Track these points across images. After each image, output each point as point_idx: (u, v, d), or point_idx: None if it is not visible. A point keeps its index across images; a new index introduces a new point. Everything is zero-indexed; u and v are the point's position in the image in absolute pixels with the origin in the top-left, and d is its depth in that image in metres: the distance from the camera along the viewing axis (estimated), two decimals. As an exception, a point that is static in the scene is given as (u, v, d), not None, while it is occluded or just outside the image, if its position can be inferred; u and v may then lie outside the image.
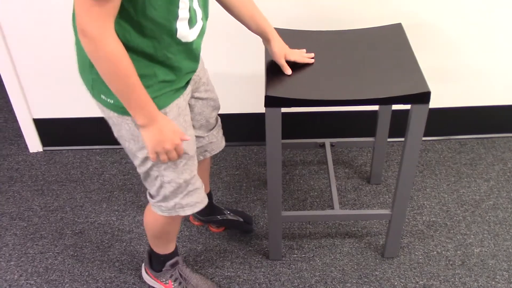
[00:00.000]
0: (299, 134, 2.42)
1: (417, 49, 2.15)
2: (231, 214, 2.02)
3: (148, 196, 1.58)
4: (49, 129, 2.43)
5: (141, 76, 1.26)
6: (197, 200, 1.55)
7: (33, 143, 2.46)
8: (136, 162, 1.46)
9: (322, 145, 2.18)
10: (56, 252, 2.02)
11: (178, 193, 1.50)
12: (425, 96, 1.53)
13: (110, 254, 2.00)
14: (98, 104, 1.38)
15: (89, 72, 1.32)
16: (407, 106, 1.58)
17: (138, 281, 1.91)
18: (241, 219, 2.03)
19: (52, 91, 2.32)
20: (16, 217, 2.16)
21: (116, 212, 2.16)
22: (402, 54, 1.69)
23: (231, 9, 1.55)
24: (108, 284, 1.90)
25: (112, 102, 1.33)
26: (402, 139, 2.42)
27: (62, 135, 2.45)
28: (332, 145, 2.18)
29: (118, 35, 1.18)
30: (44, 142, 2.48)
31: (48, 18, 2.11)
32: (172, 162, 1.43)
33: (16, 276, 1.94)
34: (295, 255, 1.98)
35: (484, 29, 2.16)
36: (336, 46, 1.75)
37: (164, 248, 1.76)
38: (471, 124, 2.42)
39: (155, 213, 1.59)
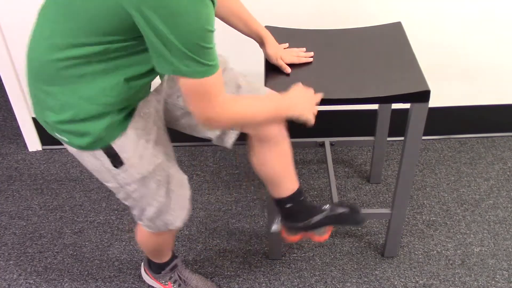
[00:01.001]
0: (298, 133, 2.42)
1: (416, 48, 2.15)
2: (334, 206, 1.63)
3: (134, 217, 1.52)
4: (48, 128, 2.43)
5: (94, 116, 1.22)
6: (183, 207, 1.49)
7: (32, 142, 2.46)
8: (111, 189, 1.41)
9: (322, 144, 2.18)
10: (56, 252, 2.01)
11: (162, 212, 1.44)
12: (424, 95, 1.53)
13: (110, 253, 2.00)
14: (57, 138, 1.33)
15: (42, 116, 1.28)
16: (407, 105, 1.58)
17: (137, 280, 1.90)
18: (348, 209, 1.63)
19: (51, 90, 2.31)
20: (15, 216, 2.16)
21: (116, 211, 2.16)
22: (401, 53, 1.69)
23: (217, 13, 1.50)
24: (107, 284, 1.90)
25: (67, 140, 1.28)
26: (402, 138, 2.42)
27: (62, 134, 2.45)
28: (331, 144, 2.18)
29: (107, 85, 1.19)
30: (43, 141, 2.47)
31: (47, 16, 2.11)
32: (144, 189, 1.37)
33: (15, 276, 1.94)
34: (295, 255, 1.98)
35: (484, 28, 2.15)
36: (335, 44, 1.74)
37: (161, 259, 1.75)
38: (471, 123, 2.42)
39: (146, 232, 1.54)
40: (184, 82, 1.14)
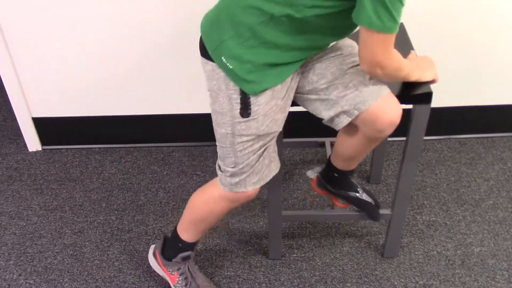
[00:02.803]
0: (299, 133, 2.42)
1: (418, 48, 2.15)
2: (365, 194, 1.82)
3: (218, 169, 1.59)
4: (48, 128, 2.43)
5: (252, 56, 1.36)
6: (262, 178, 1.56)
7: (32, 142, 2.45)
8: (218, 136, 1.52)
9: (322, 144, 2.18)
10: (56, 252, 2.01)
11: (245, 172, 1.52)
12: (427, 97, 1.53)
13: (110, 253, 2.00)
14: (213, 66, 1.42)
15: (220, 33, 1.38)
16: (408, 106, 1.58)
17: (137, 280, 1.90)
18: (373, 202, 1.82)
19: (51, 90, 2.31)
20: (15, 216, 2.16)
21: (116, 212, 2.16)
22: (403, 54, 1.68)
23: None
24: (107, 284, 1.90)
25: (231, 67, 1.38)
26: (402, 138, 2.42)
27: (61, 134, 2.45)
28: (332, 144, 2.18)
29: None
30: (43, 141, 2.47)
31: (47, 17, 2.11)
32: (249, 145, 1.47)
33: (15, 276, 1.94)
34: (295, 255, 1.98)
35: (484, 29, 2.15)
36: (336, 45, 1.74)
37: (193, 235, 1.73)
38: (471, 124, 2.42)
39: (212, 193, 1.61)
40: (371, 34, 1.28)
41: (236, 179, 1.54)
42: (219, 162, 1.57)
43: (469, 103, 2.36)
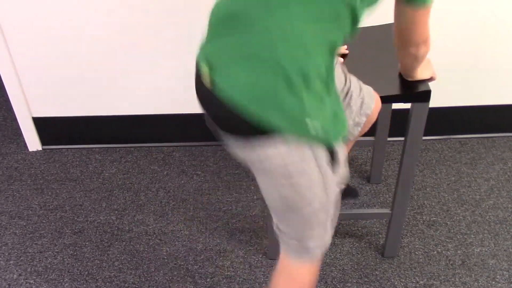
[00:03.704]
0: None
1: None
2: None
3: (301, 253, 1.25)
4: (48, 127, 2.43)
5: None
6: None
7: (33, 141, 2.46)
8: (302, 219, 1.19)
9: (322, 144, 2.18)
10: (56, 251, 2.01)
11: (324, 229, 1.25)
12: (425, 95, 1.53)
13: (110, 253, 2.00)
14: (287, 148, 1.02)
15: (295, 95, 0.99)
16: (407, 105, 1.58)
17: (137, 280, 1.90)
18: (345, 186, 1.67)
19: (51, 90, 2.31)
20: (15, 216, 2.16)
21: (116, 211, 2.16)
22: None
23: None
24: (107, 284, 1.90)
25: (320, 125, 1.02)
26: (402, 138, 2.42)
27: (62, 134, 2.45)
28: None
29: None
30: (44, 141, 2.47)
31: (47, 16, 2.11)
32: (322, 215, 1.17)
33: (15, 276, 1.94)
34: (295, 255, 1.98)
35: (484, 28, 2.16)
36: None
37: None
38: (471, 124, 2.42)
39: (304, 279, 1.28)
40: (424, 11, 1.22)
41: (325, 240, 1.25)
42: (302, 244, 1.21)
43: (469, 103, 2.36)
